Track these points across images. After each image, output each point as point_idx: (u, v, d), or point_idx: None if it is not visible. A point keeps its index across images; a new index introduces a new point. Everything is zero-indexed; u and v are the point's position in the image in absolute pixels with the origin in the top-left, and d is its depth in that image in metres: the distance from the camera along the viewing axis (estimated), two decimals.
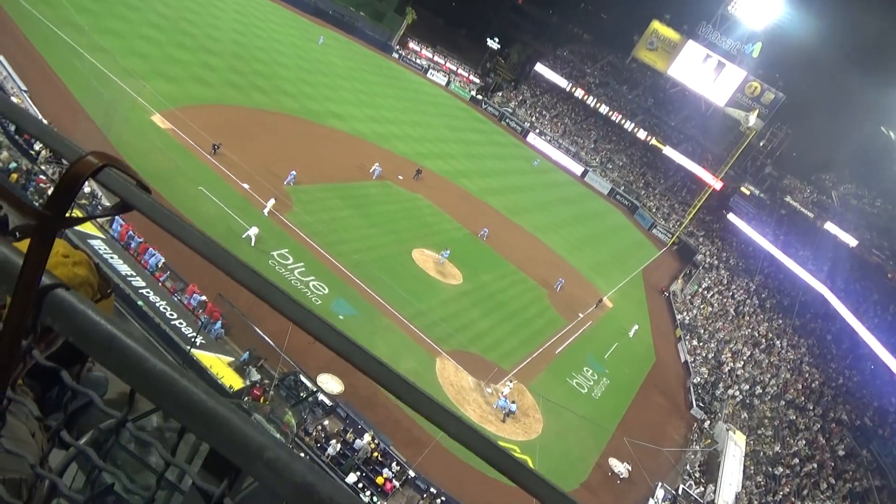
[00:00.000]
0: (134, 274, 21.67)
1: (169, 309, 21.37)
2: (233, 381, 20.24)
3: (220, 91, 43.02)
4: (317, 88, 54.88)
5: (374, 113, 57.78)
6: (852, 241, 59.93)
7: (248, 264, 1.26)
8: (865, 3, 79.34)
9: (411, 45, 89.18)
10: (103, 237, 22.42)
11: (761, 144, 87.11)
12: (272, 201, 32.24)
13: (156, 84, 37.70)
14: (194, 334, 20.79)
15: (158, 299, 21.43)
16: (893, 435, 37.28)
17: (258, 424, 1.06)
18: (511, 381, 30.46)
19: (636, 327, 44.75)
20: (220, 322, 23.05)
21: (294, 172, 35.78)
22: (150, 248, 23.73)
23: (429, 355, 29.29)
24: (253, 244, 28.57)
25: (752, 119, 78.07)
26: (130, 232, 24.06)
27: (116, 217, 20.46)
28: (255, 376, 21.31)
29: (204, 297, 23.33)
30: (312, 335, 1.26)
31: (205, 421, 1.03)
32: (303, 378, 22.34)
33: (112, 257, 21.65)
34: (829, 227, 63.43)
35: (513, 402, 29.02)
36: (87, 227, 21.83)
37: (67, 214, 1.08)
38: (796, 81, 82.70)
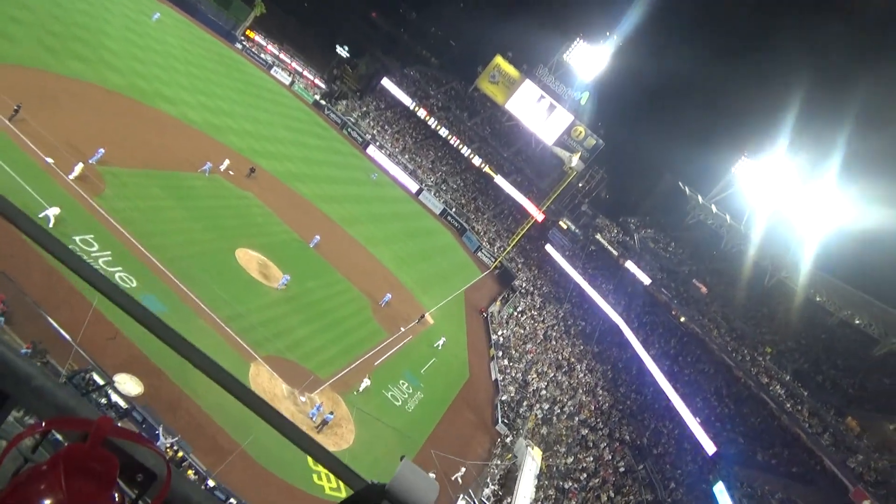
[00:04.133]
0: None
1: None
2: None
3: (30, 51, 38.34)
4: (147, 66, 50.93)
5: (209, 102, 54.82)
6: (647, 280, 67.07)
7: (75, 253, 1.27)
8: (681, 69, 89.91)
9: (257, 38, 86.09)
10: None
11: (580, 184, 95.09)
12: (80, 165, 29.76)
13: None
14: None
15: None
16: (664, 454, 42.13)
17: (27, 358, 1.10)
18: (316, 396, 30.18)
19: (443, 339, 46.12)
20: None
21: (102, 150, 32.52)
22: None
23: (243, 360, 28.14)
24: (51, 225, 25.73)
25: (575, 160, 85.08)
26: None
27: None
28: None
29: None
30: (111, 299, 1.29)
31: None
32: (95, 377, 20.40)
33: None
34: (629, 265, 70.51)
35: (330, 412, 28.75)
36: None
37: None
38: (615, 131, 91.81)
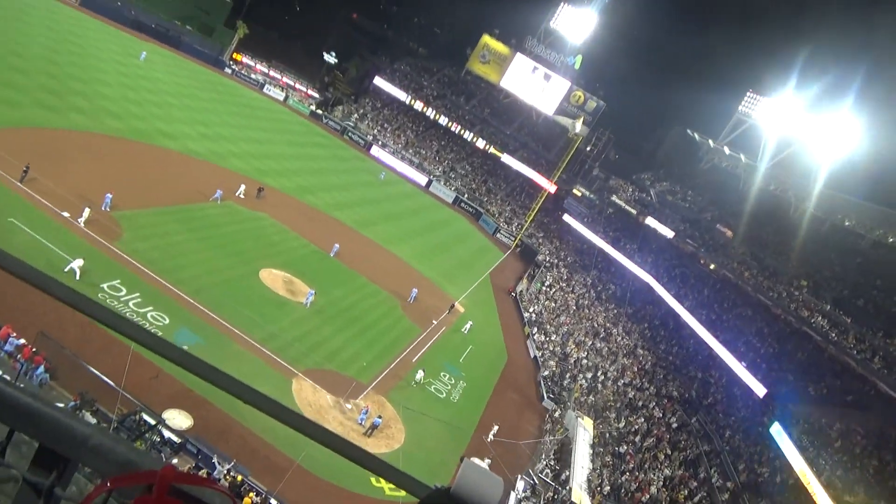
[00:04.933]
0: None
1: None
2: None
3: (30, 112, 38.99)
4: (143, 107, 51.47)
5: (208, 130, 55.27)
6: (669, 233, 66.50)
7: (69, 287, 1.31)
8: (671, 18, 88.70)
9: (245, 59, 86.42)
10: None
11: (588, 149, 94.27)
12: (87, 210, 30.39)
13: None
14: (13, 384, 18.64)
15: None
16: (715, 403, 41.83)
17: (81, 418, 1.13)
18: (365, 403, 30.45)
19: (470, 323, 45.96)
20: (42, 366, 20.88)
21: (110, 195, 32.97)
22: None
23: (284, 378, 28.49)
24: (78, 278, 26.16)
25: (579, 126, 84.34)
26: None
27: None
28: (91, 422, 19.51)
29: (22, 341, 21.02)
30: (147, 347, 1.32)
31: (30, 419, 1.08)
32: (146, 416, 20.82)
33: None
34: (650, 221, 69.93)
35: (378, 415, 28.98)
36: None
37: None
38: (614, 90, 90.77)
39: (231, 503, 1.49)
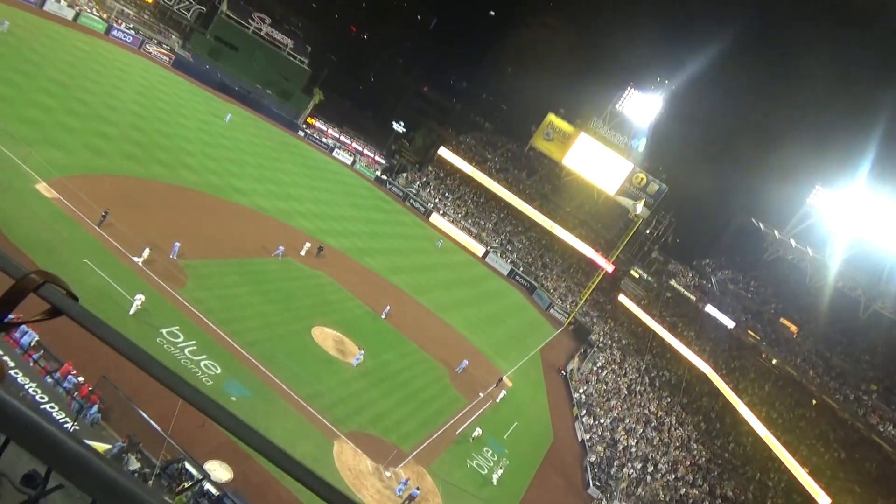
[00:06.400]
0: (1, 353, 19.95)
1: (39, 392, 19.71)
2: None
3: (116, 162, 41.56)
4: (220, 163, 54.14)
5: (278, 189, 57.46)
6: (730, 323, 64.26)
7: (176, 373, 1.41)
8: (739, 105, 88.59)
9: (318, 123, 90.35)
10: None
11: (648, 231, 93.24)
12: (147, 250, 31.64)
13: (44, 151, 35.98)
14: (66, 420, 19.18)
15: (28, 381, 19.75)
16: None
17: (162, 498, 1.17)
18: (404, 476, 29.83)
19: (503, 393, 44.77)
20: (96, 406, 21.40)
21: (178, 244, 34.30)
22: (23, 326, 21.96)
23: (326, 438, 28.32)
24: (132, 312, 27.18)
25: (640, 207, 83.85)
26: None
27: None
28: (134, 465, 19.77)
29: (81, 379, 21.69)
30: (202, 411, 1.37)
31: (115, 496, 1.12)
32: (188, 465, 20.93)
33: None
34: (710, 309, 67.88)
35: (416, 487, 28.33)
36: None
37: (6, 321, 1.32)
38: (678, 174, 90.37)
39: None
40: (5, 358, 19.86)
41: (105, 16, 70.66)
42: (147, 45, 73.07)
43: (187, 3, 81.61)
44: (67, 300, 1.38)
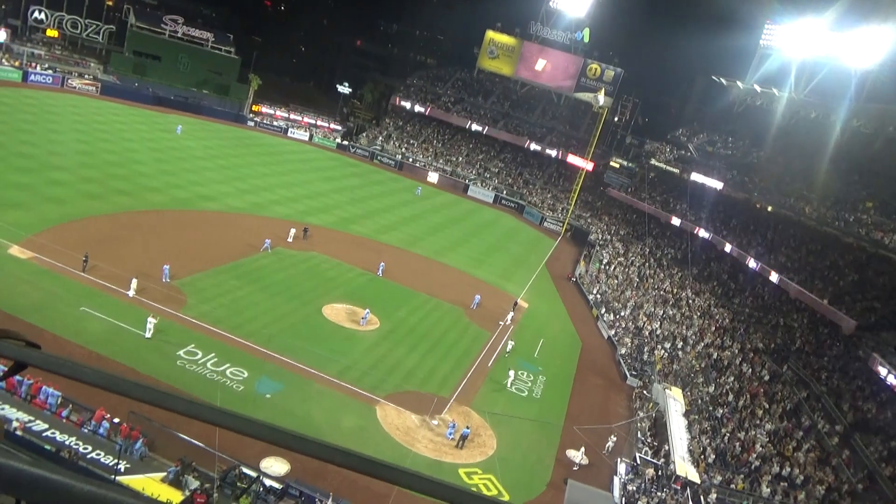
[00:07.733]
0: (32, 419, 20.00)
1: (81, 444, 19.84)
2: (171, 496, 19.00)
3: (78, 205, 40.76)
4: (180, 175, 53.19)
5: (245, 185, 56.66)
6: (718, 184, 64.63)
7: (145, 383, 1.35)
8: None
9: (264, 109, 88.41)
10: None
11: (616, 119, 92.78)
12: (135, 280, 31.43)
13: (4, 216, 35.26)
14: (116, 461, 19.39)
15: (67, 437, 19.86)
16: (804, 347, 40.25)
17: None
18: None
19: (511, 344, 39.86)
20: (140, 440, 21.63)
21: (167, 267, 34.14)
22: (44, 387, 22.00)
23: (367, 407, 28.78)
24: (148, 336, 27.40)
25: (602, 98, 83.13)
26: (17, 377, 22.20)
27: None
28: (194, 484, 20.10)
29: (117, 420, 21.85)
30: (233, 429, 1.32)
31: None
32: (244, 470, 21.32)
33: (2, 409, 19.90)
34: (696, 176, 68.16)
35: (466, 426, 28.94)
36: None
37: None
38: (629, 54, 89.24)
39: None
40: (37, 422, 19.94)
41: (16, 63, 68.12)
42: (69, 80, 70.76)
43: (95, 26, 78.59)
44: (27, 350, 1.34)
